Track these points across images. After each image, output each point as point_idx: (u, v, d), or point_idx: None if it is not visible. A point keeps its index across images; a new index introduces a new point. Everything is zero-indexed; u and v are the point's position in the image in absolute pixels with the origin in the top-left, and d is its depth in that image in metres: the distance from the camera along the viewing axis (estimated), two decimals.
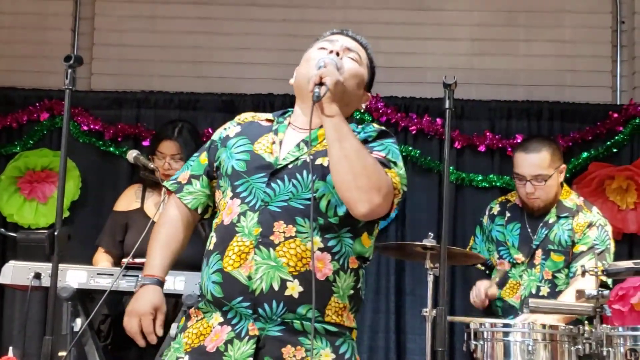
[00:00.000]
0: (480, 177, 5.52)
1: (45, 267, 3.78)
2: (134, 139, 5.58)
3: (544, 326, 3.63)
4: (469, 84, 5.72)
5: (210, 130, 5.50)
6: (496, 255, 4.44)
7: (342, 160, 2.55)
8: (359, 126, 2.81)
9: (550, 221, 4.31)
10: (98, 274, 3.91)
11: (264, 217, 2.61)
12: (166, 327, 3.69)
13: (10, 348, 4.90)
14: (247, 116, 2.92)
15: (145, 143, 5.49)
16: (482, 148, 5.54)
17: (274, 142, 2.74)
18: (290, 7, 5.96)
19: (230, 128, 2.87)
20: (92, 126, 5.57)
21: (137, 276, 3.89)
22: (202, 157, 2.89)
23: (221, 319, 2.63)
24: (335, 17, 5.92)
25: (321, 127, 2.66)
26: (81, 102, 5.60)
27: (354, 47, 2.84)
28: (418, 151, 5.50)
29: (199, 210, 2.88)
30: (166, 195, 4.25)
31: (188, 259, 4.06)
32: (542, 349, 3.58)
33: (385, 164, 2.65)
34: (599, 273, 3.55)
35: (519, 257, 4.34)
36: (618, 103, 5.74)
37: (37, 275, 3.83)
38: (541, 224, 4.33)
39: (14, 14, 5.92)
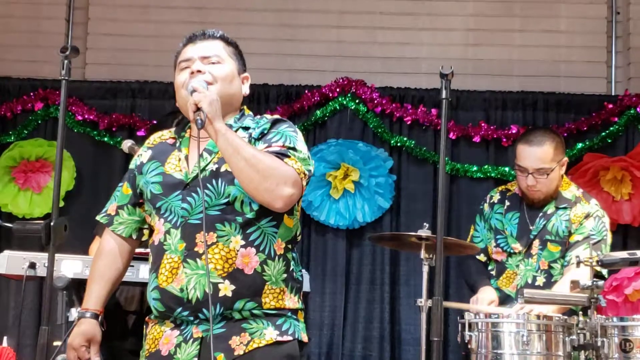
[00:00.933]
0: (475, 168, 5.53)
1: (40, 257, 3.77)
2: (129, 129, 5.58)
3: (538, 317, 3.63)
4: (464, 75, 5.70)
5: None
6: (493, 244, 4.44)
7: (243, 170, 2.71)
8: (254, 120, 2.93)
9: (549, 212, 4.32)
10: None
11: (185, 231, 2.79)
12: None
13: (5, 338, 4.90)
14: (155, 138, 3.07)
15: (140, 133, 5.49)
16: (477, 139, 5.55)
17: (179, 159, 2.90)
18: None
19: (142, 154, 3.02)
20: (86, 116, 5.56)
21: (132, 266, 3.90)
22: (125, 188, 3.05)
23: (172, 325, 2.84)
24: (329, 7, 5.92)
25: None
26: (75, 92, 5.59)
27: (209, 50, 2.95)
28: (413, 142, 5.51)
29: (134, 236, 3.05)
30: None
31: None
32: (536, 340, 3.59)
33: (284, 153, 2.79)
34: (594, 263, 3.55)
35: (517, 246, 4.34)
36: (613, 94, 5.75)
37: (32, 265, 3.81)
38: (540, 215, 4.33)
39: (8, 4, 5.90)
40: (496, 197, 4.54)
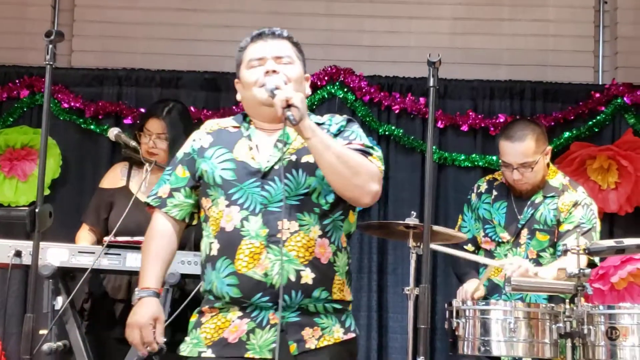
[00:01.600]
0: (462, 157, 5.52)
1: (25, 245, 3.76)
2: (115, 117, 5.54)
3: (525, 304, 3.64)
4: (452, 63, 5.69)
5: (192, 109, 5.46)
6: (482, 234, 4.45)
7: (334, 166, 2.78)
8: (322, 118, 3.02)
9: (537, 201, 4.33)
10: (79, 252, 3.90)
11: (267, 218, 2.83)
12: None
13: None
14: (212, 125, 3.09)
15: (127, 121, 5.46)
16: (464, 128, 5.54)
17: (251, 148, 2.93)
18: None
19: (201, 139, 3.04)
20: (72, 104, 5.52)
21: (119, 254, 3.89)
22: (180, 171, 3.04)
23: (240, 313, 2.85)
24: None
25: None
26: (62, 79, 5.54)
27: (281, 50, 2.98)
28: (401, 130, 5.50)
29: (187, 220, 3.06)
30: (149, 173, 4.24)
31: None
32: (523, 327, 3.60)
33: (366, 151, 2.88)
34: (581, 252, 3.56)
35: (505, 235, 4.35)
36: (600, 83, 5.76)
37: (18, 253, 3.80)
38: (528, 204, 4.34)
39: None
40: (483, 186, 4.55)
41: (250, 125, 2.99)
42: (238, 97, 3.04)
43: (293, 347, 2.82)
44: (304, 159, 2.87)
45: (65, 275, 3.94)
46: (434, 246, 4.12)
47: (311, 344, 2.84)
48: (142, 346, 2.89)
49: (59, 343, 3.85)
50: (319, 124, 2.93)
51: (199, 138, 3.05)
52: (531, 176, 4.28)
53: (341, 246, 2.94)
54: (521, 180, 4.28)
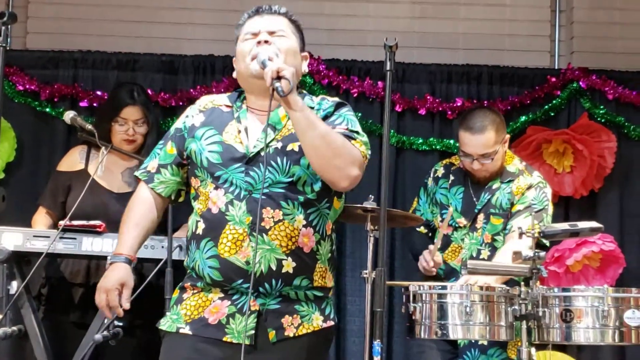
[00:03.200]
0: (420, 141, 5.54)
1: None
2: (71, 100, 5.46)
3: (481, 288, 3.67)
4: (409, 47, 5.71)
5: (149, 92, 5.40)
6: (439, 218, 4.47)
7: (316, 146, 2.77)
8: (314, 100, 3.02)
9: (494, 186, 4.36)
10: (34, 236, 3.88)
11: (251, 205, 2.83)
12: None
13: None
14: (206, 102, 3.07)
15: (83, 103, 5.40)
16: (422, 111, 5.55)
17: (240, 131, 2.93)
18: None
19: (193, 116, 3.03)
20: (27, 86, 5.43)
21: (75, 238, 3.87)
22: (169, 147, 3.04)
23: (221, 294, 2.88)
24: None
25: (279, 106, 2.87)
26: (16, 61, 5.45)
27: (275, 25, 2.99)
28: (359, 114, 5.45)
29: (172, 197, 3.08)
30: (105, 156, 4.21)
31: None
32: (479, 310, 3.62)
33: (349, 135, 2.88)
34: (536, 235, 3.60)
35: (462, 220, 4.38)
36: (556, 67, 5.80)
37: None
38: (485, 189, 4.37)
39: None
40: (440, 171, 4.57)
41: (243, 106, 2.99)
42: (234, 74, 3.04)
43: (272, 334, 2.86)
44: (290, 147, 2.87)
45: (20, 260, 3.91)
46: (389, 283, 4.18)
47: (290, 332, 2.87)
48: (108, 310, 2.89)
49: (14, 328, 3.83)
50: (309, 107, 2.92)
51: (191, 115, 3.05)
52: (491, 166, 4.32)
53: (325, 234, 2.95)
54: (481, 169, 4.32)
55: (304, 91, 3.13)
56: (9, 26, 2.79)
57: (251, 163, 2.87)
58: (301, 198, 2.87)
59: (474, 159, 4.29)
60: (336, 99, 3.07)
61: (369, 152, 2.95)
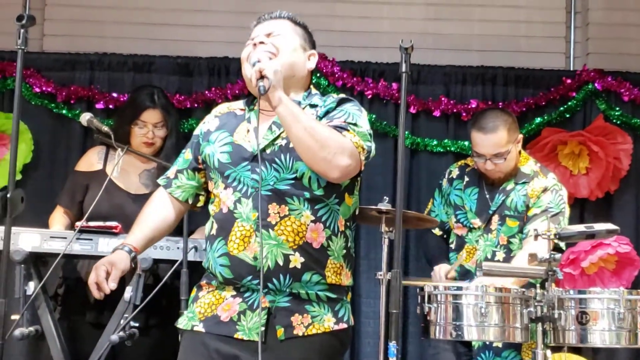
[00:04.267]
0: (435, 142, 5.53)
1: None
2: (87, 102, 5.49)
3: (496, 289, 3.67)
4: (424, 49, 5.69)
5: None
6: (454, 219, 4.48)
7: (301, 139, 2.80)
8: (321, 98, 3.08)
9: (508, 188, 4.36)
10: (51, 237, 3.90)
11: (256, 201, 2.88)
12: (121, 291, 3.73)
13: None
14: (223, 108, 3.18)
15: (99, 105, 5.43)
16: (437, 113, 5.55)
17: (248, 131, 3.00)
18: None
19: (209, 122, 3.14)
20: (44, 88, 5.46)
21: (91, 239, 3.89)
22: (187, 154, 3.17)
23: (233, 292, 2.93)
24: None
25: None
26: (33, 63, 5.48)
27: (273, 28, 3.07)
28: (374, 116, 5.49)
29: (190, 201, 3.18)
30: (121, 158, 4.23)
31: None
32: (494, 312, 3.62)
33: (344, 127, 2.88)
34: (552, 237, 3.59)
35: (476, 222, 4.38)
36: (572, 69, 5.78)
37: None
38: (499, 190, 4.37)
39: None
40: (455, 172, 4.58)
41: (255, 108, 3.04)
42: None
43: (280, 332, 2.88)
44: (292, 144, 2.90)
45: (37, 261, 3.93)
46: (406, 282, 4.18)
47: (299, 331, 2.89)
48: (94, 287, 2.92)
49: (31, 328, 3.85)
50: (314, 106, 3.02)
51: (208, 121, 3.16)
52: (504, 166, 4.32)
53: (337, 230, 2.97)
54: (494, 169, 4.32)
55: (317, 91, 3.17)
56: (27, 29, 2.79)
57: (256, 160, 2.92)
58: (307, 194, 2.91)
59: (487, 159, 4.29)
60: (342, 95, 3.11)
61: (369, 143, 2.95)
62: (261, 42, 3.00)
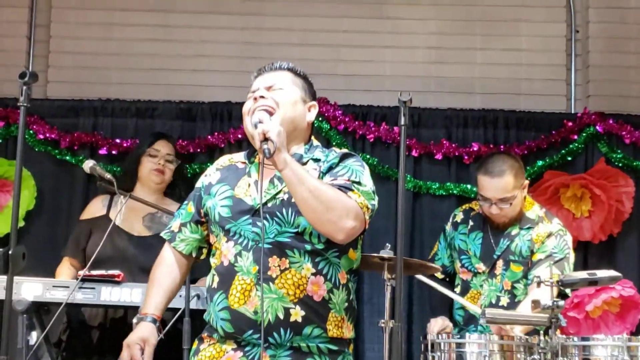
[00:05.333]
0: (437, 185, 5.54)
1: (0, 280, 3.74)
2: (91, 148, 5.52)
3: (500, 337, 3.66)
4: (425, 92, 5.76)
5: None
6: (458, 264, 4.47)
7: (306, 201, 2.81)
8: (324, 153, 3.07)
9: (513, 232, 4.35)
10: (54, 286, 3.89)
11: (258, 255, 2.87)
12: (123, 336, 3.73)
13: None
14: (224, 161, 3.19)
15: (102, 151, 5.45)
16: (439, 156, 5.56)
17: (249, 185, 3.01)
18: (249, 14, 5.94)
19: (211, 175, 3.14)
20: (47, 135, 5.49)
21: (94, 288, 3.89)
22: (189, 206, 3.16)
23: (234, 345, 2.92)
24: (293, 25, 5.93)
25: None
26: (37, 110, 5.52)
27: (274, 81, 3.07)
28: (376, 159, 5.51)
29: (194, 254, 3.18)
30: (124, 204, 4.25)
31: (148, 265, 4.08)
32: (498, 359, 3.61)
33: (348, 187, 2.89)
34: (554, 284, 3.59)
35: (480, 266, 4.37)
36: (573, 111, 5.80)
37: None
38: (504, 235, 4.36)
39: None
40: (459, 216, 4.57)
41: (255, 161, 3.07)
42: None
43: None
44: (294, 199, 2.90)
45: (40, 309, 3.92)
46: (421, 277, 4.15)
47: None
48: None
49: None
50: (317, 160, 3.03)
51: (209, 174, 3.17)
52: (509, 211, 4.31)
53: (339, 283, 2.95)
54: (499, 214, 4.31)
55: (318, 143, 3.17)
56: (30, 86, 2.81)
57: (258, 214, 2.92)
58: (308, 247, 2.91)
59: (493, 204, 4.29)
60: (344, 150, 3.12)
61: (373, 202, 2.96)
62: (262, 97, 3.01)
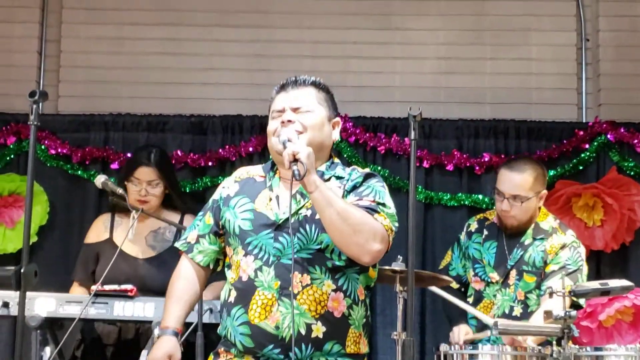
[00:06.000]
0: (448, 196, 5.53)
1: (13, 296, 3.76)
2: (102, 162, 5.54)
3: (513, 348, 3.65)
4: (436, 103, 5.76)
5: (179, 153, 5.49)
6: (472, 273, 4.47)
7: (334, 223, 2.82)
8: (346, 170, 3.07)
9: (526, 242, 4.35)
10: (67, 301, 3.91)
11: (279, 270, 2.89)
12: (137, 353, 3.73)
13: None
14: (242, 173, 3.17)
15: (114, 166, 5.46)
16: (450, 167, 5.56)
17: (271, 199, 3.01)
18: (259, 27, 5.95)
19: (229, 187, 3.13)
20: (59, 150, 5.51)
21: (107, 303, 3.90)
22: (207, 218, 3.14)
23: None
24: (303, 37, 5.94)
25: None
26: (48, 125, 5.54)
27: (300, 101, 3.05)
28: (387, 171, 5.51)
29: (211, 266, 3.17)
30: (135, 220, 4.25)
31: (157, 285, 4.08)
32: None
33: (374, 208, 2.90)
34: (566, 294, 3.58)
35: (494, 276, 4.37)
36: (584, 120, 5.79)
37: (5, 304, 3.81)
38: (517, 245, 4.36)
39: None
40: (474, 225, 4.58)
41: (275, 175, 3.06)
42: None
43: None
44: (318, 215, 2.89)
45: (54, 324, 3.94)
46: (435, 289, 4.15)
47: None
48: None
49: None
50: (339, 178, 3.03)
51: (227, 186, 3.15)
52: (519, 212, 4.31)
53: (358, 299, 2.97)
54: (509, 212, 4.31)
55: (338, 160, 3.18)
56: (40, 104, 2.82)
57: (280, 229, 2.92)
58: (329, 264, 2.92)
59: (505, 198, 4.29)
60: (367, 170, 3.12)
61: (396, 224, 2.97)
62: (289, 121, 2.99)
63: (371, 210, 2.90)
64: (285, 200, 2.96)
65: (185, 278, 3.15)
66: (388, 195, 3.02)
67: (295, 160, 2.80)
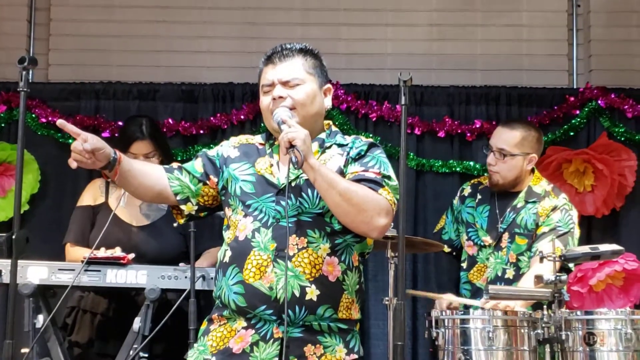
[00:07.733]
0: (440, 163, 5.54)
1: (5, 264, 3.75)
2: (93, 131, 5.48)
3: (504, 312, 3.68)
4: (428, 70, 5.76)
5: (170, 121, 5.48)
6: (465, 237, 4.50)
7: (338, 204, 2.85)
8: (347, 139, 3.08)
9: (519, 205, 4.39)
10: (59, 269, 3.90)
11: (277, 232, 2.91)
12: (129, 321, 3.74)
13: None
14: (240, 139, 3.18)
15: (105, 134, 5.44)
16: (441, 134, 5.56)
17: (272, 165, 3.03)
18: None
19: (228, 149, 3.13)
20: (50, 118, 5.48)
21: (99, 270, 3.90)
22: (198, 165, 3.11)
23: (245, 324, 2.94)
24: (294, 4, 5.92)
25: (312, 141, 2.96)
26: (39, 94, 5.52)
27: (288, 74, 3.02)
28: (378, 138, 5.48)
29: (178, 197, 3.09)
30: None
31: (151, 253, 4.08)
32: (502, 334, 3.64)
33: (379, 182, 2.91)
34: (557, 258, 3.60)
35: (487, 239, 4.41)
36: (575, 86, 5.80)
37: None
38: (509, 208, 4.39)
39: None
40: (467, 189, 4.63)
41: (275, 143, 3.07)
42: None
43: None
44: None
45: (46, 292, 3.94)
46: (412, 292, 4.26)
47: None
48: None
49: None
50: (341, 145, 3.04)
51: (226, 147, 3.15)
52: (503, 167, 4.37)
53: (352, 265, 2.99)
54: (493, 166, 4.39)
55: (336, 128, 3.18)
56: (29, 70, 2.81)
57: (282, 193, 2.94)
58: (328, 228, 2.94)
59: (492, 151, 4.40)
60: (370, 140, 3.13)
61: (397, 196, 2.96)
62: (280, 97, 2.99)
63: (376, 183, 2.92)
64: (286, 166, 2.95)
65: (154, 167, 3.20)
66: (390, 166, 3.03)
67: (292, 146, 2.81)
